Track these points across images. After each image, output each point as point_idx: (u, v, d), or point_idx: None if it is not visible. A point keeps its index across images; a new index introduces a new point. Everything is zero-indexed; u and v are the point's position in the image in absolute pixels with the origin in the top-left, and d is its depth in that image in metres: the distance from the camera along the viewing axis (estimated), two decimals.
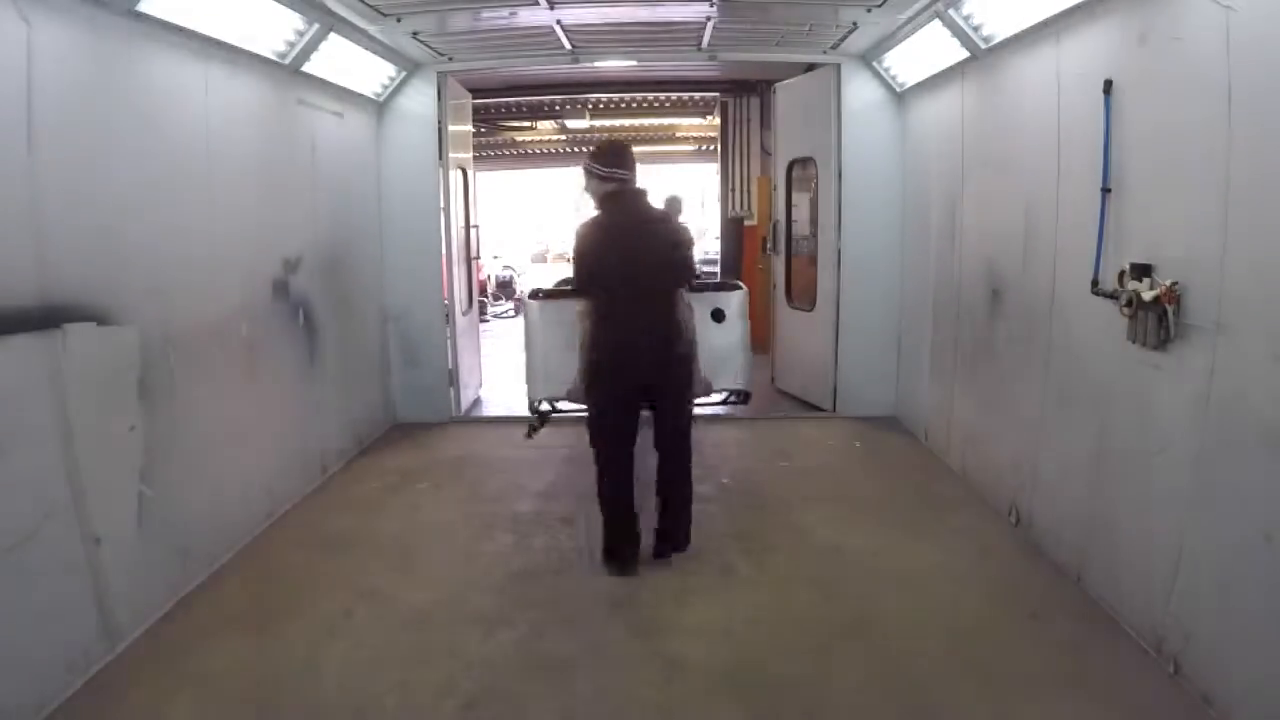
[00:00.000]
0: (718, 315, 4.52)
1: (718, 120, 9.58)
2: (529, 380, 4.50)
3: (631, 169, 3.43)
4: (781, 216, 6.60)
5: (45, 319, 2.60)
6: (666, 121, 11.49)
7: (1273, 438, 2.22)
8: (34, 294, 2.56)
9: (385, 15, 4.28)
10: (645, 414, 3.52)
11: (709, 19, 4.69)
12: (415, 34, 4.75)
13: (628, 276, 3.28)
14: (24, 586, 2.46)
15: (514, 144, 13.12)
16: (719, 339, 4.45)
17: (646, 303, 3.32)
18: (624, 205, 3.40)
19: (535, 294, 4.67)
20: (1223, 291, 2.42)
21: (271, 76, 4.11)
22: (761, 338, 6.43)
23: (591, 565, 3.53)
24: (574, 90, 8.58)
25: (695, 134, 12.64)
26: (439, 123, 5.71)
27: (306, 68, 4.31)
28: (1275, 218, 2.23)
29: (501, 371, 7.28)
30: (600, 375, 3.36)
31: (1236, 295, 2.38)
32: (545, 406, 4.59)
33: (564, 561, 3.61)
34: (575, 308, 3.69)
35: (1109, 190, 3.00)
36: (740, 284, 4.92)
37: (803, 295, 6.57)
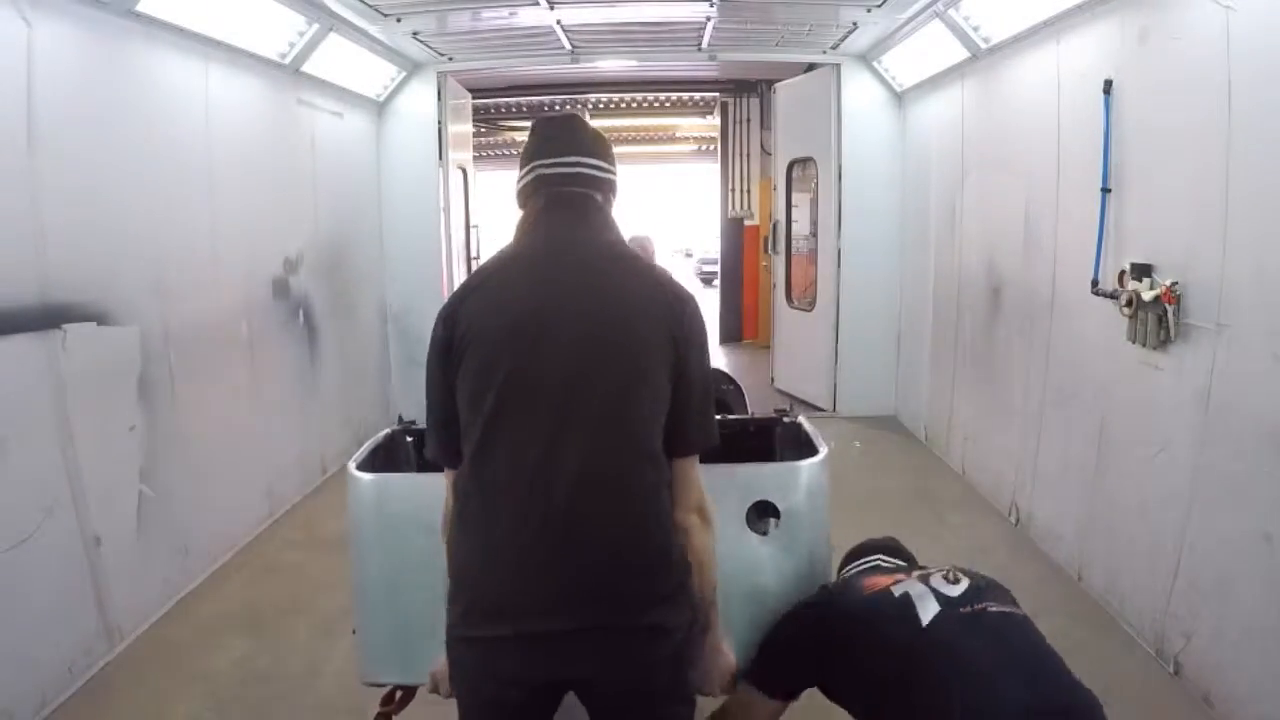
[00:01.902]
0: (765, 515, 1.80)
1: (718, 120, 9.57)
2: (356, 639, 1.91)
3: (578, 155, 1.45)
4: (781, 216, 6.60)
5: (45, 319, 2.60)
6: (666, 121, 11.47)
7: (1273, 438, 2.22)
8: (34, 294, 2.56)
9: (385, 15, 4.28)
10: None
11: (709, 19, 4.69)
12: (415, 34, 4.75)
13: (529, 405, 1.29)
14: (24, 586, 2.46)
15: (514, 144, 13.11)
16: (769, 572, 1.77)
17: (573, 480, 1.27)
18: (550, 239, 1.42)
19: (376, 450, 2.02)
20: (1223, 291, 2.42)
21: (271, 76, 4.11)
22: (763, 338, 6.41)
23: None
24: (574, 90, 8.58)
25: (695, 134, 12.62)
26: (439, 123, 5.70)
27: (306, 68, 4.31)
28: (1275, 217, 2.23)
29: None
30: (456, 656, 1.36)
31: (1236, 295, 2.38)
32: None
33: None
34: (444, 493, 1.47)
35: (1109, 190, 3.00)
36: (805, 427, 2.14)
37: (803, 295, 6.58)
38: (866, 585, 1.61)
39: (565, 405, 1.27)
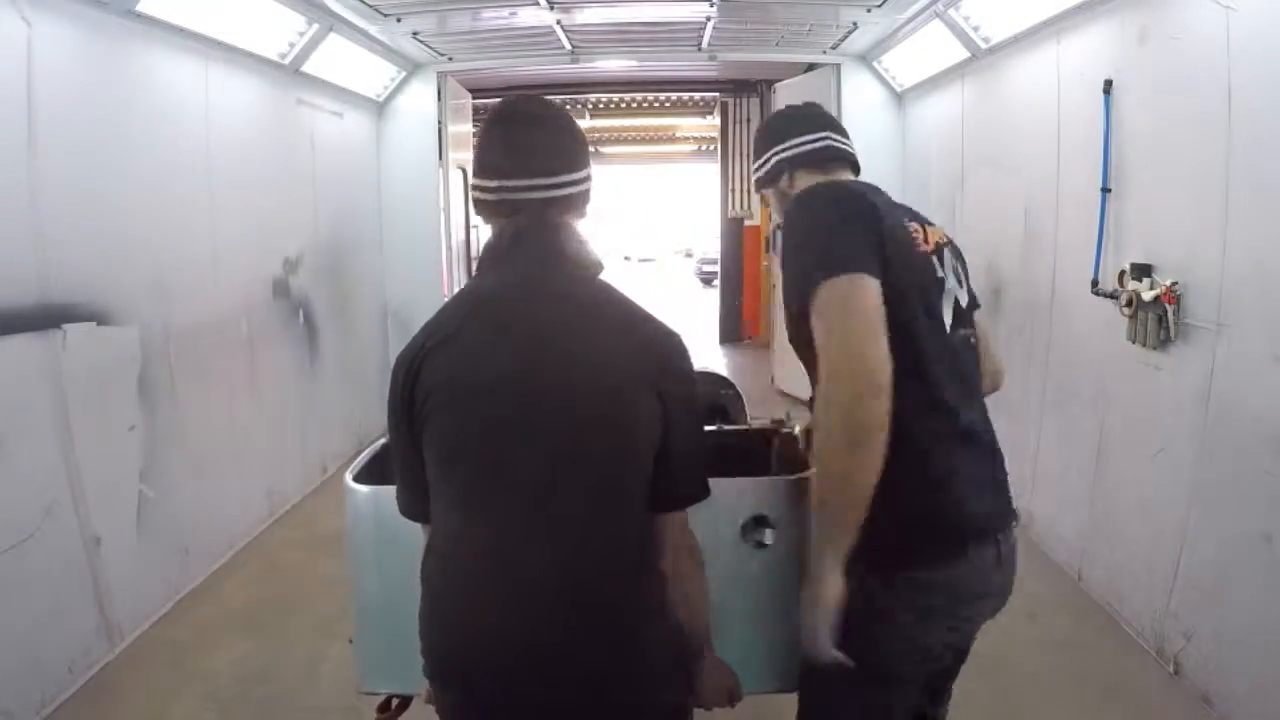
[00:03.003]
0: (758, 529, 1.73)
1: (718, 120, 9.58)
2: (354, 649, 1.92)
3: (552, 175, 1.25)
4: (781, 217, 6.59)
5: (45, 319, 2.60)
6: (666, 121, 11.48)
7: (1273, 438, 2.22)
8: (34, 294, 2.56)
9: (385, 15, 4.28)
10: None
11: (709, 19, 4.69)
12: (415, 34, 4.75)
13: (501, 461, 1.19)
14: (24, 586, 2.46)
15: None
16: (764, 586, 1.74)
17: (549, 541, 1.17)
18: (523, 283, 1.24)
19: (373, 460, 1.98)
20: (1223, 291, 2.42)
21: (271, 76, 4.11)
22: (764, 337, 6.39)
23: None
24: (574, 90, 8.57)
25: (695, 134, 12.64)
26: (439, 123, 5.71)
27: (306, 68, 4.31)
28: (1275, 218, 2.23)
29: None
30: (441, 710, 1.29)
31: (1236, 295, 2.38)
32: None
33: None
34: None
35: (1109, 190, 3.00)
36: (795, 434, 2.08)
37: None
38: (912, 232, 1.40)
39: (545, 493, 1.16)
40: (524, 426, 1.17)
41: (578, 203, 1.28)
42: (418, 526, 1.33)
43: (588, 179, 1.29)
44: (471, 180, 1.27)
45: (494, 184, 1.24)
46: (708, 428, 1.35)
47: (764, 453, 2.26)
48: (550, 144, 1.25)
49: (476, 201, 1.28)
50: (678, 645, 1.27)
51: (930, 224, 1.47)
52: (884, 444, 1.20)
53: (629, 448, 1.19)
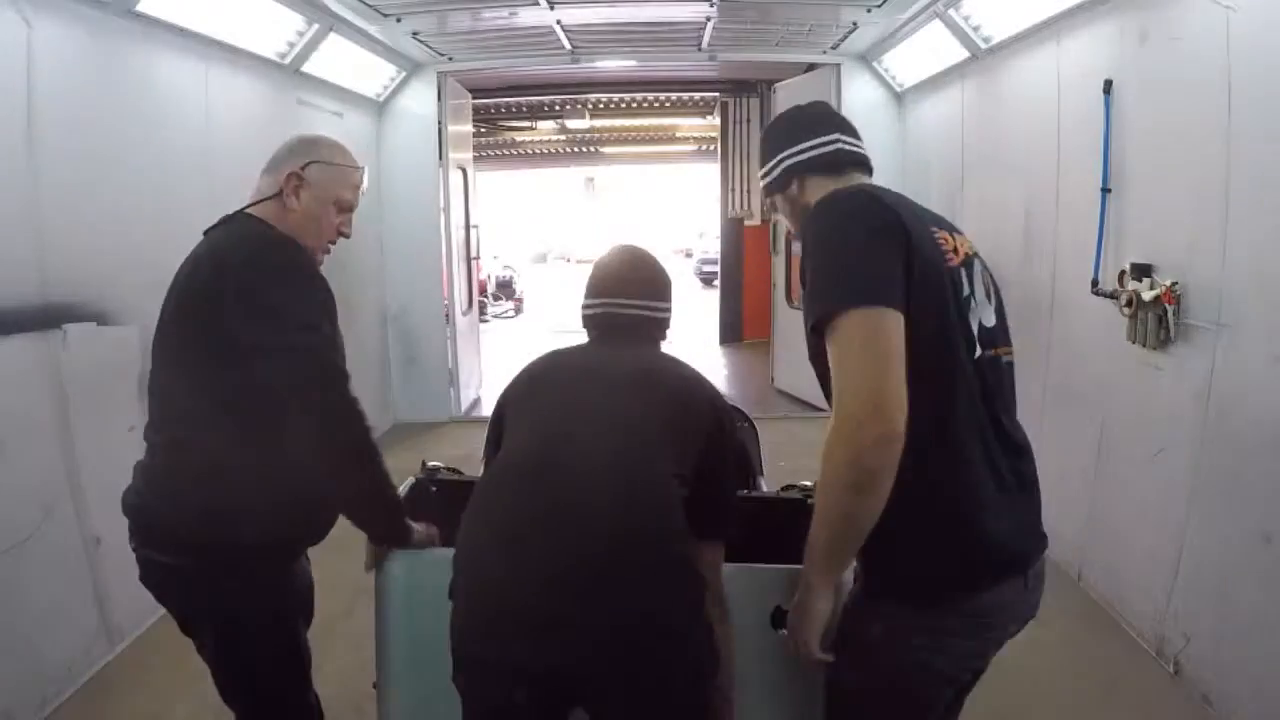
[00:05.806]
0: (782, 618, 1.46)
1: (718, 120, 9.57)
2: (378, 696, 1.79)
3: (645, 299, 1.67)
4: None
5: (45, 319, 2.60)
6: (666, 121, 11.48)
7: (1273, 438, 2.22)
8: (34, 294, 2.56)
9: (385, 15, 4.28)
10: None
11: (709, 19, 4.69)
12: (415, 34, 4.75)
13: (543, 469, 1.41)
14: (24, 587, 2.46)
15: (514, 144, 13.13)
16: (786, 669, 1.58)
17: (574, 535, 1.33)
18: (600, 342, 1.68)
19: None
20: (1223, 291, 2.43)
21: (271, 76, 4.11)
22: (764, 336, 6.37)
23: None
24: (574, 90, 8.58)
25: (695, 134, 12.62)
26: (439, 123, 5.72)
27: (306, 68, 4.31)
28: (1275, 218, 2.23)
29: (501, 372, 7.28)
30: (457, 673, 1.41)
31: (1236, 295, 2.38)
32: None
33: None
34: None
35: (1109, 190, 3.00)
36: None
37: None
38: (940, 242, 1.32)
39: (578, 494, 1.37)
40: (571, 441, 1.42)
41: (660, 325, 1.70)
42: (445, 583, 1.43)
43: (669, 309, 1.71)
44: (582, 302, 1.71)
45: (599, 301, 1.67)
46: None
47: (793, 520, 2.14)
48: (642, 280, 1.69)
49: (584, 317, 1.71)
50: (712, 657, 1.41)
51: (958, 232, 1.39)
52: (889, 488, 1.18)
53: (663, 463, 1.42)
